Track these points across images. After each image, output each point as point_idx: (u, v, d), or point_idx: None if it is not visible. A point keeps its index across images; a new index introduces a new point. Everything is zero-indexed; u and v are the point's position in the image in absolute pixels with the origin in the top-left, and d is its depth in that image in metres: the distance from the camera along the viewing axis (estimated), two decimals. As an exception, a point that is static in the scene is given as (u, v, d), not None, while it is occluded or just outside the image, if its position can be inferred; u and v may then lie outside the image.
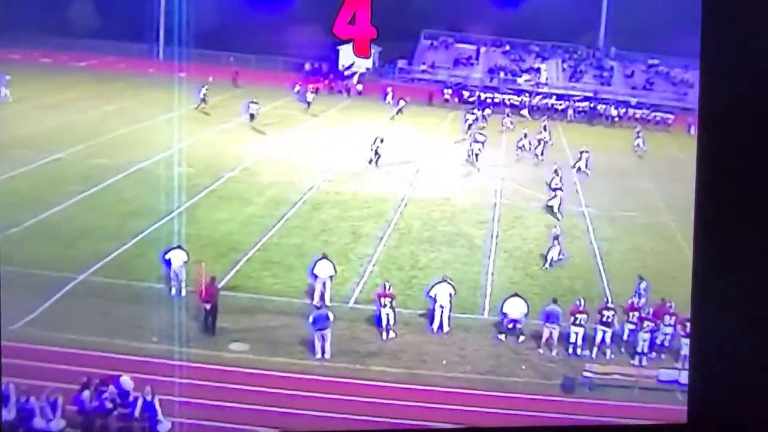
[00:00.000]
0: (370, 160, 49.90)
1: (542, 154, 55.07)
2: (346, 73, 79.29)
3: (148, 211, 37.48)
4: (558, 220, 42.35)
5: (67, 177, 42.33)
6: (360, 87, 77.21)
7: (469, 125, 60.87)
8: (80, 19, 75.87)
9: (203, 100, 60.92)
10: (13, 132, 48.66)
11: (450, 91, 77.60)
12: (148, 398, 22.50)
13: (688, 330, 26.39)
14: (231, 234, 36.95)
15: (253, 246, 35.71)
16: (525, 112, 71.49)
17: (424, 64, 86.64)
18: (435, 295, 29.73)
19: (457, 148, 55.71)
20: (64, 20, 75.51)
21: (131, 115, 56.43)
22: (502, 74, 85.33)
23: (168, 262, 30.35)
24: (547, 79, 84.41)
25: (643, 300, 30.93)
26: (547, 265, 36.19)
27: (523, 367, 27.82)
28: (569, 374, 27.19)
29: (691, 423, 20.97)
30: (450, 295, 29.73)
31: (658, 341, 28.98)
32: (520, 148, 55.83)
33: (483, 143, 53.77)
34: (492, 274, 35.06)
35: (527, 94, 78.05)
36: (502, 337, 29.40)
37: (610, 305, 29.45)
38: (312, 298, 30.46)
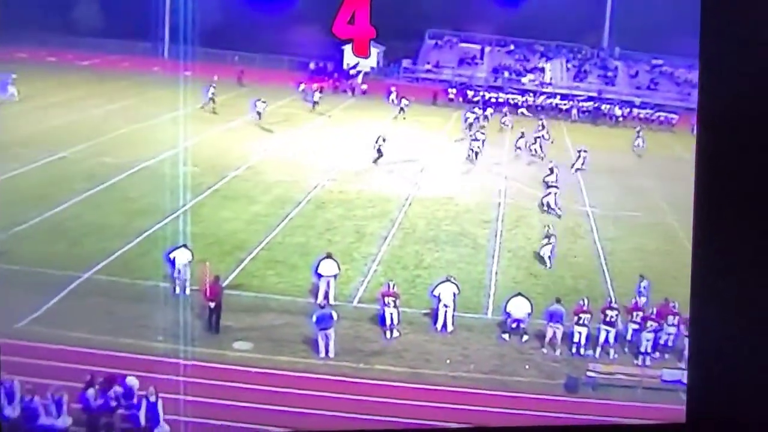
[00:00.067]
0: (375, 159, 49.96)
1: (541, 151, 55.27)
2: (351, 72, 79.32)
3: (153, 209, 37.55)
4: (558, 218, 42.50)
5: (71, 175, 42.40)
6: (365, 87, 77.24)
7: (470, 124, 60.96)
8: (85, 18, 76.06)
9: (212, 99, 60.99)
10: (18, 130, 48.78)
11: (454, 90, 77.65)
12: (152, 399, 22.51)
13: (691, 330, 26.46)
14: (235, 233, 36.99)
15: (258, 245, 35.75)
16: (523, 110, 71.44)
17: (428, 63, 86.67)
18: (439, 295, 29.76)
19: (460, 147, 55.72)
20: (69, 19, 75.70)
21: (136, 114, 56.53)
22: (506, 74, 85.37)
23: (172, 261, 30.39)
24: (551, 78, 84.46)
25: (643, 299, 31.01)
26: (548, 265, 36.25)
27: (527, 366, 27.83)
28: (572, 374, 27.20)
29: (690, 422, 20.99)
30: (454, 294, 29.75)
31: (661, 341, 28.99)
32: (519, 147, 56.09)
33: (483, 142, 53.89)
34: (496, 273, 35.09)
35: (531, 94, 78.08)
36: (506, 336, 29.42)
37: (613, 305, 29.48)
38: (316, 297, 30.48)
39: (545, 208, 43.53)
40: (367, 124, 60.12)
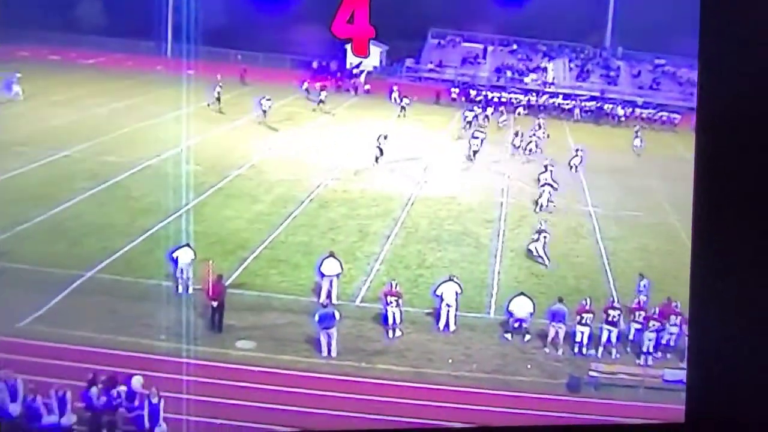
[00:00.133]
0: (376, 157, 50.02)
1: (536, 149, 55.46)
2: (354, 71, 79.44)
3: (156, 208, 37.61)
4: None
5: (75, 174, 42.46)
6: (368, 87, 77.35)
7: (468, 122, 61.11)
8: (89, 17, 76.17)
9: (218, 99, 61.10)
10: (21, 129, 48.90)
11: (457, 90, 77.75)
12: (154, 401, 22.53)
13: (693, 330, 26.47)
14: (238, 232, 37.02)
15: (261, 244, 35.77)
16: (520, 110, 71.51)
17: (431, 63, 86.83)
18: (441, 294, 29.72)
19: (462, 146, 55.76)
20: (73, 17, 75.82)
21: (139, 113, 56.59)
22: (509, 73, 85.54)
23: (175, 260, 30.41)
24: (554, 78, 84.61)
25: (643, 297, 31.04)
26: (545, 261, 36.33)
27: (529, 366, 27.84)
28: (575, 373, 27.19)
29: (689, 422, 20.99)
30: (456, 293, 29.72)
31: (663, 341, 28.98)
32: (515, 145, 56.50)
33: (482, 140, 53.97)
34: (498, 273, 35.11)
35: (534, 94, 78.17)
36: (508, 336, 29.43)
37: (615, 304, 29.46)
38: (319, 296, 30.49)
39: (538, 209, 43.58)
40: (370, 123, 60.19)
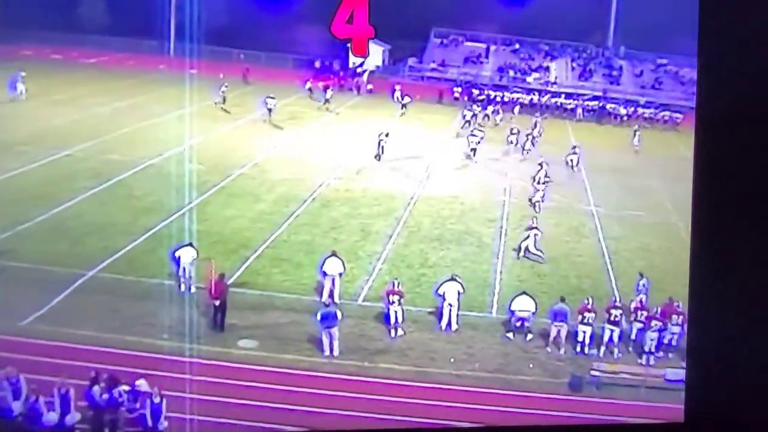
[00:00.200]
0: (376, 156, 50.08)
1: (532, 146, 55.80)
2: (358, 70, 79.48)
3: (159, 207, 37.63)
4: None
5: (77, 173, 42.51)
6: (370, 87, 77.38)
7: (467, 121, 61.22)
8: (91, 16, 76.25)
9: (224, 98, 61.23)
10: (23, 128, 48.97)
11: (459, 89, 77.82)
12: (156, 400, 22.53)
13: (694, 329, 26.47)
14: (241, 231, 37.05)
15: (263, 243, 35.79)
16: (517, 108, 71.60)
17: (434, 62, 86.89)
18: (443, 293, 29.71)
19: (461, 145, 55.87)
20: (75, 16, 75.89)
21: (142, 112, 56.68)
22: (511, 72, 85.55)
23: (177, 260, 30.42)
24: (556, 77, 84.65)
25: (642, 296, 31.05)
26: (520, 254, 36.41)
27: (531, 365, 27.83)
28: (577, 373, 27.19)
29: (688, 422, 20.99)
30: (458, 293, 29.72)
31: (665, 340, 28.96)
32: (511, 142, 56.90)
33: (481, 139, 54.14)
34: (500, 272, 35.12)
35: (536, 93, 78.23)
36: (510, 335, 29.42)
37: (617, 304, 29.42)
38: (321, 296, 30.50)
39: (532, 206, 43.72)
40: (373, 122, 60.25)
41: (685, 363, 26.73)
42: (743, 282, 18.64)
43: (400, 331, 28.89)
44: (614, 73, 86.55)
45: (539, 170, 46.52)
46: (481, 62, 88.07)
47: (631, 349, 29.16)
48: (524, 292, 30.01)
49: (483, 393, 25.83)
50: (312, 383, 25.36)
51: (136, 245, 34.06)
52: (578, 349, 28.78)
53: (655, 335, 28.65)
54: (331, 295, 30.31)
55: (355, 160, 50.52)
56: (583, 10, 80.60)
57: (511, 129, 58.40)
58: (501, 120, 65.05)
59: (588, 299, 29.27)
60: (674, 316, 28.77)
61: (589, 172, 51.97)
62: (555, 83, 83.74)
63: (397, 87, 70.83)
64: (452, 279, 30.22)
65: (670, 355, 28.76)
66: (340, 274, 31.01)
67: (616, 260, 37.32)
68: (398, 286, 29.53)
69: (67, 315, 27.68)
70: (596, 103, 77.25)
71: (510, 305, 29.64)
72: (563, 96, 78.49)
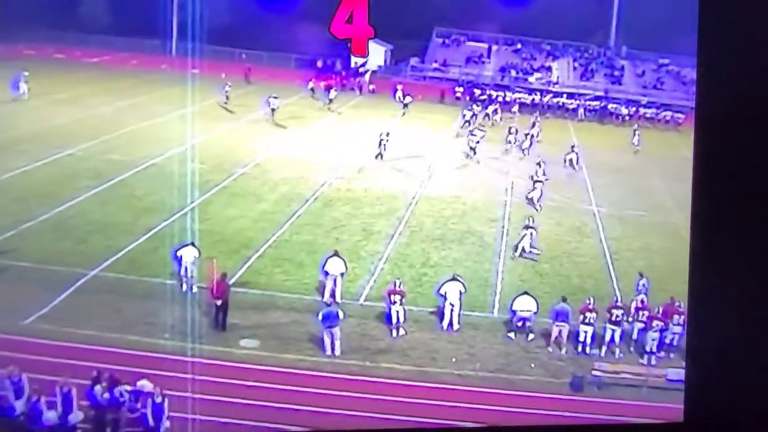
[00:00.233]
0: (377, 155, 50.13)
1: (530, 147, 55.83)
2: (360, 70, 79.51)
3: (160, 207, 37.65)
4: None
5: (79, 172, 42.56)
6: (372, 87, 77.41)
7: (467, 121, 61.28)
8: (93, 15, 76.27)
9: (227, 97, 61.35)
10: (26, 127, 49.00)
11: (461, 89, 77.84)
12: (158, 400, 22.53)
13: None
14: (242, 230, 37.07)
15: (265, 243, 35.82)
16: (516, 107, 71.63)
17: (436, 62, 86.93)
18: (445, 293, 29.72)
19: (461, 144, 55.93)
20: (78, 16, 75.94)
21: (144, 111, 56.74)
22: (513, 72, 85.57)
23: (179, 259, 30.44)
24: (558, 77, 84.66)
25: (643, 297, 31.07)
26: (516, 254, 36.42)
27: (533, 365, 27.84)
28: (578, 373, 27.19)
29: (688, 422, 20.97)
30: (460, 292, 29.73)
31: (667, 340, 28.95)
32: (509, 141, 57.05)
33: (481, 138, 54.24)
34: (502, 272, 35.13)
35: (538, 93, 78.26)
36: (512, 335, 29.43)
37: (619, 304, 29.44)
38: (323, 295, 30.53)
39: (534, 202, 43.81)
40: (375, 122, 60.29)
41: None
42: (743, 282, 18.62)
43: (401, 331, 28.90)
44: (616, 73, 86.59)
45: (537, 169, 46.56)
46: (483, 62, 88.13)
47: (632, 349, 29.16)
48: (526, 292, 30.01)
49: (484, 393, 25.84)
50: (313, 383, 25.37)
51: (138, 245, 34.10)
52: (580, 349, 28.79)
53: (656, 335, 28.65)
54: (332, 295, 30.35)
55: (357, 159, 50.55)
56: (585, 10, 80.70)
57: (509, 128, 58.59)
58: (501, 119, 65.10)
59: (589, 299, 29.28)
60: (676, 316, 28.76)
61: (591, 172, 52.01)
62: (557, 83, 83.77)
63: (399, 86, 70.90)
64: (454, 279, 30.24)
65: (672, 355, 28.76)
66: (342, 274, 31.02)
67: (618, 260, 37.35)
68: (400, 286, 29.55)
69: (69, 314, 27.71)
70: (598, 103, 77.27)
71: (511, 305, 29.65)
72: (565, 96, 78.47)
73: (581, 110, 75.02)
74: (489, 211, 43.01)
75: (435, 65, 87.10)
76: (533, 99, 76.21)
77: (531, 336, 29.35)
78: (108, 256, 32.47)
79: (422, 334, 29.10)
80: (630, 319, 29.53)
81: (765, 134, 17.65)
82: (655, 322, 28.69)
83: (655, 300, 30.39)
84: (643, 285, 31.76)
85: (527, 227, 37.10)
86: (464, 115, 62.76)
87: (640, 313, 29.34)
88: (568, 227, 41.19)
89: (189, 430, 22.76)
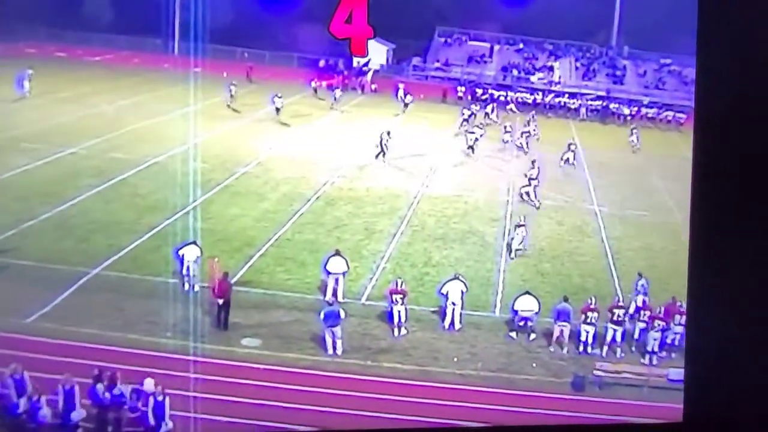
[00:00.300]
0: (377, 155, 50.15)
1: (527, 146, 55.80)
2: (364, 69, 79.55)
3: (163, 205, 37.68)
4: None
5: (81, 171, 42.60)
6: (374, 86, 77.42)
7: (465, 120, 61.38)
8: (96, 14, 76.31)
9: (232, 97, 61.41)
10: (28, 126, 49.01)
11: (463, 88, 77.84)
12: (159, 399, 22.53)
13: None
14: (245, 229, 37.09)
15: (267, 242, 35.84)
16: (512, 107, 71.68)
17: (438, 61, 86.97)
18: (447, 293, 29.72)
19: (461, 143, 55.98)
20: (80, 15, 75.98)
21: (146, 110, 56.78)
22: (515, 72, 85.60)
23: (181, 258, 30.45)
24: (560, 77, 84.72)
25: (641, 297, 31.07)
26: (512, 255, 36.45)
27: (534, 365, 27.84)
28: (579, 372, 27.19)
29: (687, 422, 20.96)
30: (462, 292, 29.73)
31: (668, 340, 28.95)
32: (505, 141, 57.46)
33: (481, 135, 54.49)
34: (504, 271, 35.14)
35: (540, 93, 78.30)
36: (513, 334, 29.44)
37: (620, 304, 29.44)
38: (324, 294, 30.53)
39: (524, 198, 43.95)
40: (376, 121, 60.30)
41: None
42: (743, 282, 18.61)
43: (403, 330, 28.90)
44: (618, 72, 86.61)
45: (531, 168, 46.60)
46: (485, 62, 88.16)
47: (634, 348, 29.15)
48: (527, 292, 30.03)
49: (486, 392, 25.84)
50: (315, 382, 25.37)
51: (140, 243, 34.13)
52: (581, 348, 28.78)
53: (658, 335, 28.65)
54: (334, 294, 30.34)
55: (359, 158, 50.55)
56: (586, 10, 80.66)
57: (505, 127, 58.77)
58: (499, 118, 65.11)
59: (591, 299, 29.28)
60: (677, 316, 28.74)
61: (593, 171, 52.03)
62: (559, 83, 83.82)
63: (401, 85, 70.89)
64: (456, 278, 30.24)
65: (673, 354, 28.74)
66: (344, 273, 31.03)
67: (620, 260, 37.35)
68: (402, 285, 29.54)
69: (71, 313, 27.72)
70: (600, 102, 77.32)
71: (513, 305, 29.66)
72: (567, 95, 78.52)
73: (583, 110, 75.08)
74: (491, 210, 43.02)
75: (437, 65, 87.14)
76: (535, 98, 76.29)
77: (532, 336, 29.36)
78: (110, 255, 32.50)
79: (424, 334, 29.10)
80: (636, 317, 29.52)
81: (765, 134, 17.64)
82: (656, 322, 28.70)
83: (657, 300, 30.41)
84: (642, 285, 31.71)
85: (519, 226, 37.06)
86: (463, 114, 62.81)
87: (642, 312, 29.33)
88: (569, 227, 41.21)
89: (190, 429, 22.76)
